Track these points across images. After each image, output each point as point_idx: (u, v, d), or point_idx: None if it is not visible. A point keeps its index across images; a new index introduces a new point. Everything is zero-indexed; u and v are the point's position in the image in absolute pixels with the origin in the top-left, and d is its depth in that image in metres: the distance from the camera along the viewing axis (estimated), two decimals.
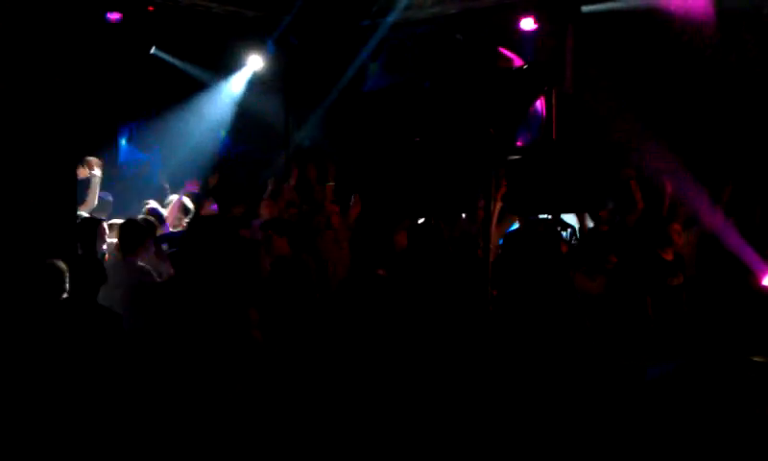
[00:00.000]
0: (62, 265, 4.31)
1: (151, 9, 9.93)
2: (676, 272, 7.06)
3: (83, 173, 7.46)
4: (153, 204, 7.84)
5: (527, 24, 9.53)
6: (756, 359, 4.16)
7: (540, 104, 3.85)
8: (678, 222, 7.23)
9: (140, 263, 5.57)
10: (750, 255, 6.38)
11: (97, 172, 7.55)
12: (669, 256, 7.06)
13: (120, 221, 6.37)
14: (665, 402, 3.84)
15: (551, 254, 3.72)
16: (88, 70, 10.52)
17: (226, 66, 12.44)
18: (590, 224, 7.13)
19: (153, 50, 10.85)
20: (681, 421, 3.71)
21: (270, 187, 8.27)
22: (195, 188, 8.95)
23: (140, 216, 7.40)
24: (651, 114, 8.96)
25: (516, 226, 7.10)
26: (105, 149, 11.61)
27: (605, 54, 9.59)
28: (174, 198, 8.74)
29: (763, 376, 4.01)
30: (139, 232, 5.79)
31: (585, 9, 9.46)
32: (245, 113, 13.09)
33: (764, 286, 4.19)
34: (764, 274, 4.17)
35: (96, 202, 7.56)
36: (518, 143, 3.84)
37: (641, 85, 9.23)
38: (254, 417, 3.73)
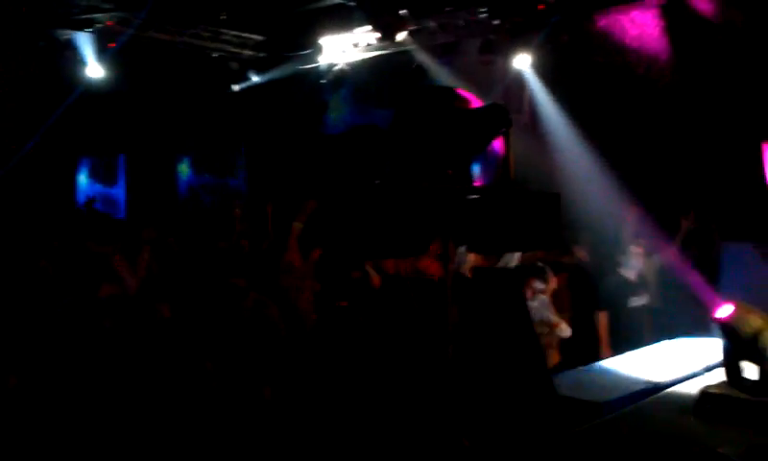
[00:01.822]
0: None
1: (112, 45, 9.96)
2: (638, 291, 7.23)
3: None
4: None
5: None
6: (711, 390, 4.24)
7: (497, 144, 3.92)
8: (638, 244, 7.41)
9: None
10: (703, 288, 6.52)
11: None
12: (631, 275, 7.23)
13: None
14: (622, 435, 3.89)
15: (512, 301, 3.79)
16: (48, 105, 10.55)
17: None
18: None
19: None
20: (638, 453, 3.76)
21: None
22: None
23: None
24: (608, 146, 9.15)
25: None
26: (62, 185, 11.59)
27: (562, 86, 9.80)
28: None
29: (718, 406, 4.09)
30: None
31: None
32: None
33: (716, 319, 4.28)
34: (716, 307, 4.26)
35: None
36: (477, 183, 3.90)
37: (598, 118, 9.43)
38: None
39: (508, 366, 3.69)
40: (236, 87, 12.15)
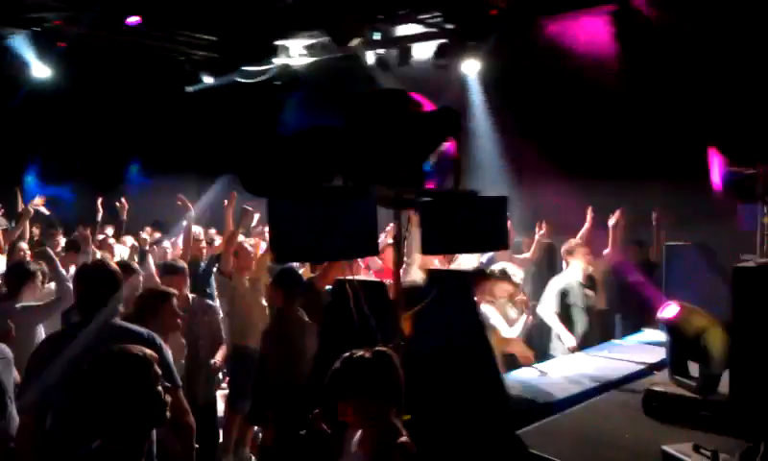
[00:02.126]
0: None
1: (62, 45, 9.79)
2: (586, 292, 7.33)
3: None
4: None
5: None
6: (656, 389, 4.32)
7: (449, 147, 3.95)
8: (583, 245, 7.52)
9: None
10: (647, 288, 6.67)
11: None
12: (579, 277, 7.30)
13: None
14: (569, 433, 3.95)
15: (463, 301, 3.82)
16: None
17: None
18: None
19: None
20: (584, 451, 3.82)
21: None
22: None
23: None
24: (556, 148, 9.29)
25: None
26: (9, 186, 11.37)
27: (512, 90, 9.94)
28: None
29: (663, 404, 4.16)
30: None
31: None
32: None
33: (662, 319, 4.37)
34: (662, 307, 4.35)
35: None
36: (429, 185, 3.92)
37: (546, 119, 9.58)
38: None
39: (458, 366, 3.73)
40: (189, 89, 12.05)
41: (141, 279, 5.85)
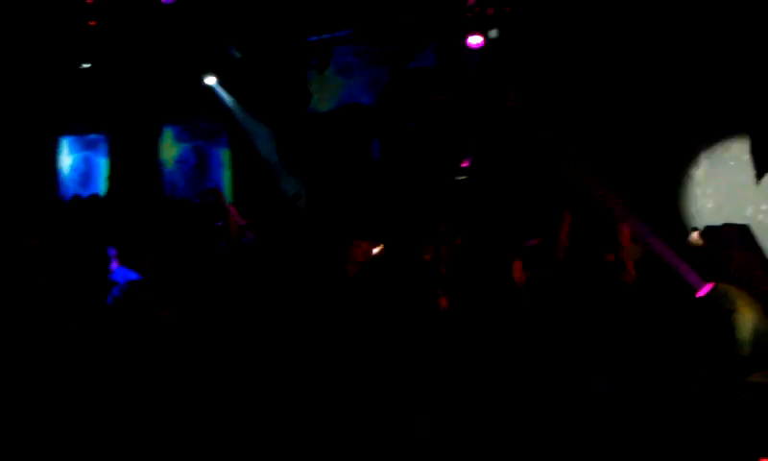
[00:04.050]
0: None
1: (92, 23, 9.80)
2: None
3: None
4: None
5: (474, 40, 9.66)
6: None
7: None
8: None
9: None
10: (684, 270, 6.55)
11: None
12: (611, 258, 7.16)
13: None
14: (608, 416, 3.95)
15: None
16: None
17: None
18: None
19: None
20: (624, 434, 3.82)
21: None
22: None
23: None
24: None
25: None
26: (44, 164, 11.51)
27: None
28: None
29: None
30: None
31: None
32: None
33: (699, 295, 4.33)
34: (701, 287, 4.30)
35: None
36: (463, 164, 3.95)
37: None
38: None
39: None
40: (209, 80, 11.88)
41: None
